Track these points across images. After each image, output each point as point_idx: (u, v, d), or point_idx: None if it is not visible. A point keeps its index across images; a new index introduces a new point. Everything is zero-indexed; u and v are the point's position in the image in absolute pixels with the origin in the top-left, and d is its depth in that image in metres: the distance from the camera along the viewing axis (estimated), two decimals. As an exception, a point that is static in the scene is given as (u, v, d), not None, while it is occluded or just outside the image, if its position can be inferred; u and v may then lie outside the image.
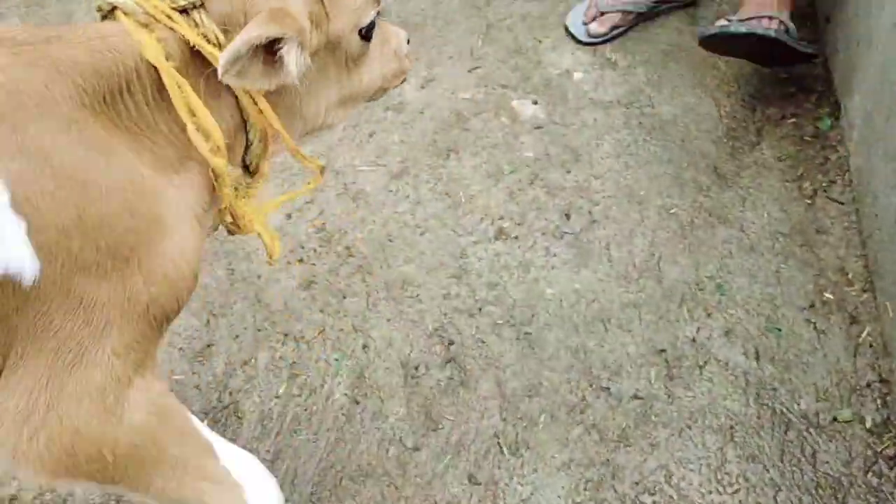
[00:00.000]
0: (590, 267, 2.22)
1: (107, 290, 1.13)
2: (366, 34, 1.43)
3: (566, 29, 2.78)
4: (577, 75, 2.67)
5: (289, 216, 2.38)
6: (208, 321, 2.16)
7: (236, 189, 1.37)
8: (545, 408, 1.97)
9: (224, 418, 2.00)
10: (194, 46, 1.22)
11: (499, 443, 1.93)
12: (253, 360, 2.09)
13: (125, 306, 1.15)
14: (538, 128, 2.54)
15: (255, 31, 1.15)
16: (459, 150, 2.50)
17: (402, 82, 1.68)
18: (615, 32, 2.75)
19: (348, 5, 1.37)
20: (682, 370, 2.01)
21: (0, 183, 1.03)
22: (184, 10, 1.23)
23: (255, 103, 1.30)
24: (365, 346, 2.11)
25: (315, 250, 2.30)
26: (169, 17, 1.22)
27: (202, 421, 1.98)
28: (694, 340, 2.06)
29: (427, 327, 2.13)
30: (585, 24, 2.75)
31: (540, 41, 2.77)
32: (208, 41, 1.23)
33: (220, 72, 1.16)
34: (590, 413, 1.96)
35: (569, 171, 2.42)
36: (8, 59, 1.08)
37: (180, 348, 2.11)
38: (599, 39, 2.74)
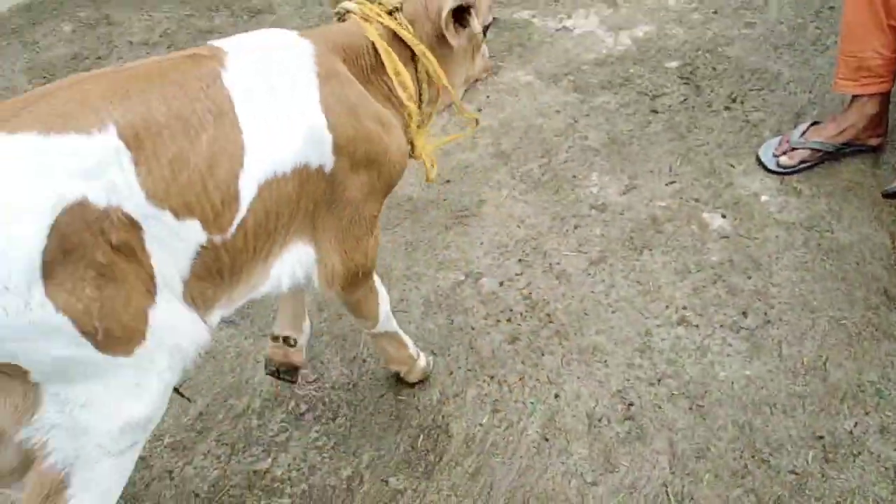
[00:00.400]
0: (761, 359, 2.52)
1: (366, 177, 1.85)
2: (485, 31, 2.09)
3: (758, 158, 3.16)
4: (764, 198, 3.03)
5: (501, 283, 2.82)
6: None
7: (418, 127, 2.04)
8: (710, 469, 2.27)
9: (436, 435, 2.41)
10: (395, 33, 1.92)
11: (667, 491, 2.24)
12: (463, 393, 2.51)
13: (373, 187, 1.88)
14: (724, 237, 2.90)
15: None
16: (652, 247, 2.89)
17: (486, 77, 2.36)
18: (802, 166, 3.10)
19: (485, 7, 2.06)
20: (837, 456, 2.26)
21: (322, 111, 1.71)
22: (389, 12, 1.93)
23: (429, 71, 1.97)
24: (557, 396, 2.48)
25: (521, 314, 2.73)
26: (379, 15, 1.93)
27: (418, 437, 2.41)
28: (851, 433, 2.31)
29: (611, 388, 2.49)
30: (776, 156, 3.12)
31: (733, 166, 3.16)
32: (403, 29, 1.93)
33: (442, 17, 1.90)
34: (750, 479, 2.24)
35: (749, 277, 2.76)
36: (304, 41, 1.78)
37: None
38: (787, 171, 3.10)
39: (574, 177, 3.19)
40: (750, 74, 3.56)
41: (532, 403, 2.47)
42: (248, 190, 1.59)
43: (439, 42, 1.98)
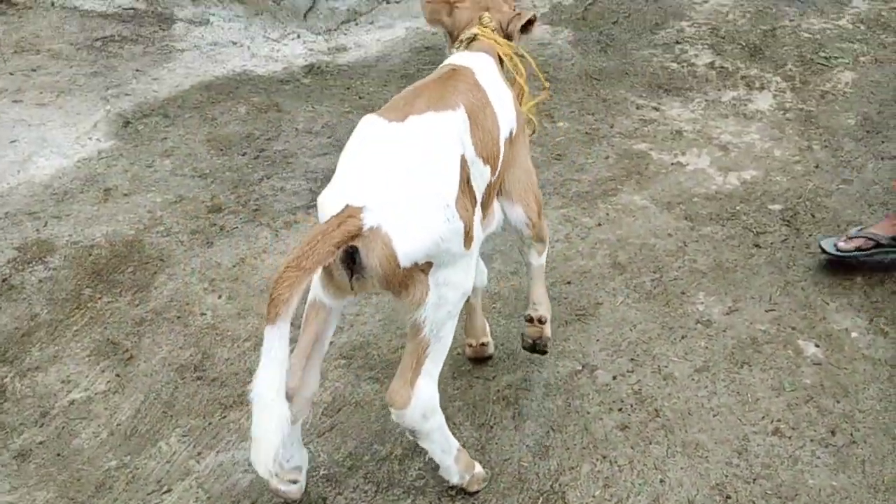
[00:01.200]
0: (846, 473, 2.83)
1: (522, 137, 2.83)
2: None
3: (820, 247, 3.64)
4: (854, 334, 3.38)
5: (614, 377, 3.19)
6: (546, 433, 2.96)
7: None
8: (797, 561, 2.57)
9: (554, 499, 2.75)
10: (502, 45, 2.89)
11: (757, 574, 2.54)
12: (577, 467, 2.86)
13: (525, 143, 2.86)
14: (817, 364, 3.25)
15: (526, 16, 2.90)
16: (751, 364, 3.24)
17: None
18: (858, 254, 3.57)
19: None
20: (913, 566, 2.55)
21: (508, 90, 2.76)
22: (493, 30, 2.84)
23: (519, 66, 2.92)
24: (662, 481, 2.82)
25: (631, 406, 3.09)
26: (495, 37, 2.83)
27: (538, 499, 2.74)
28: (926, 548, 2.60)
29: (710, 481, 2.82)
30: (835, 244, 3.61)
31: (827, 303, 3.53)
32: (506, 45, 2.86)
33: (532, 26, 2.91)
34: (833, 575, 2.53)
35: (838, 401, 3.09)
36: (490, 57, 2.79)
37: (527, 445, 2.92)
38: (843, 254, 3.59)
39: (682, 293, 3.58)
40: (846, 225, 3.96)
41: (640, 484, 2.80)
42: (502, 147, 2.57)
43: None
